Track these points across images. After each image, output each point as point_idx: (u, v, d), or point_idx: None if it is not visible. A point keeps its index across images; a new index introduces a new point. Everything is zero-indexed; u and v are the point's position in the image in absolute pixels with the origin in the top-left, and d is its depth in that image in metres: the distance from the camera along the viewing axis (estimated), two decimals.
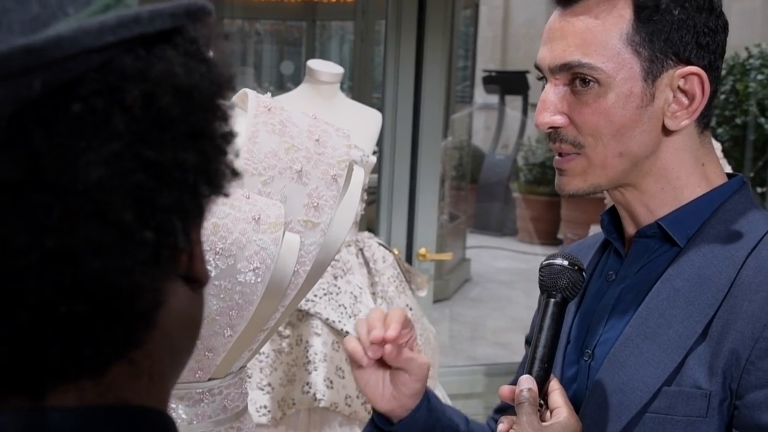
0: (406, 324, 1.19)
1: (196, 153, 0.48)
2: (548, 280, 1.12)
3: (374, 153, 2.74)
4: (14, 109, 0.41)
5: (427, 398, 1.26)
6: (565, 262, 1.11)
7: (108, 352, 0.47)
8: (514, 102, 10.77)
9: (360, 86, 5.07)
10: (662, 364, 1.06)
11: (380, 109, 3.03)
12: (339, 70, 2.64)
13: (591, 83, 1.08)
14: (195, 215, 0.50)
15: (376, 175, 3.28)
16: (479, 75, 10.60)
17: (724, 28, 1.12)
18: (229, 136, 0.51)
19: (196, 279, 0.52)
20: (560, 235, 9.36)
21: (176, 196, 0.47)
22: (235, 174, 0.52)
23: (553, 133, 1.13)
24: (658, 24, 1.07)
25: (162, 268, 0.48)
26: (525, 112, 10.64)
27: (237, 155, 0.51)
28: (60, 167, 0.42)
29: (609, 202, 3.40)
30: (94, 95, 0.44)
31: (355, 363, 1.22)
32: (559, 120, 1.11)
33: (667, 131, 1.12)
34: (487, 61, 12.20)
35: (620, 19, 1.07)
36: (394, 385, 1.22)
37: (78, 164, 0.43)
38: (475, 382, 3.51)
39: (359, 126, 2.57)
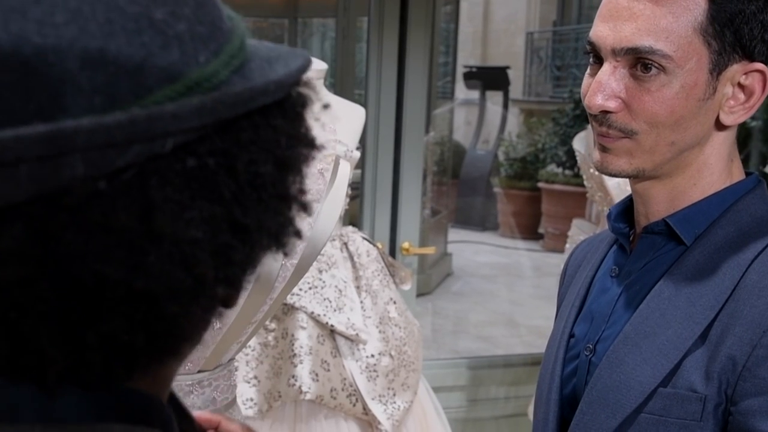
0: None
1: (276, 216, 0.51)
2: None
3: (358, 148, 2.75)
4: (142, 160, 0.44)
5: None
6: None
7: (140, 366, 0.50)
8: (494, 97, 10.79)
9: (342, 83, 5.07)
10: (659, 364, 1.05)
11: (363, 105, 3.03)
12: (323, 66, 2.65)
13: (654, 70, 1.04)
14: (256, 266, 0.53)
15: (359, 171, 3.29)
16: (460, 71, 10.62)
17: None
18: (305, 199, 0.54)
19: (228, 308, 0.55)
20: (541, 230, 9.39)
21: (249, 253, 0.50)
22: (299, 235, 0.54)
23: (601, 116, 1.07)
24: (732, 15, 1.03)
25: (213, 312, 0.53)
26: (506, 107, 10.66)
27: (310, 213, 0.54)
28: (166, 220, 0.44)
29: (591, 197, 3.41)
30: (209, 154, 0.46)
31: None
32: (612, 105, 1.06)
33: (719, 125, 1.09)
34: (467, 56, 12.21)
35: (695, 7, 1.03)
36: None
37: (181, 219, 0.45)
38: (457, 375, 3.53)
39: (343, 121, 2.59)
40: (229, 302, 0.53)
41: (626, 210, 1.21)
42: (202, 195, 0.46)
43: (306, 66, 0.52)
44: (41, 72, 0.41)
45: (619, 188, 2.83)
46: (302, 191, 0.53)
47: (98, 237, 0.43)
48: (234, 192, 0.47)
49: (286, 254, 0.54)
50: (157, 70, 0.45)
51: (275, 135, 0.49)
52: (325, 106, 0.55)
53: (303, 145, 0.52)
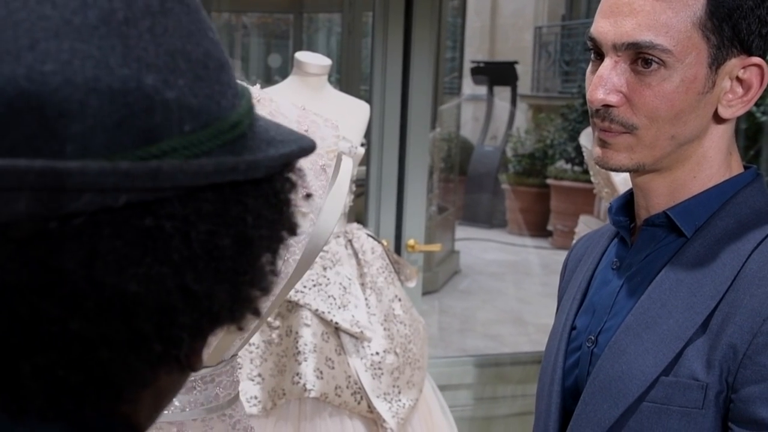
0: None
1: (231, 289, 0.52)
2: None
3: (362, 145, 2.74)
4: (95, 209, 0.45)
5: None
6: None
7: (89, 403, 0.51)
8: (502, 93, 10.77)
9: (347, 78, 5.06)
10: (661, 353, 1.07)
11: (368, 101, 3.02)
12: (327, 61, 2.64)
13: (654, 64, 1.06)
14: (206, 334, 0.54)
15: (364, 167, 3.28)
16: (467, 66, 10.60)
17: None
18: (270, 280, 0.54)
19: (190, 369, 0.56)
20: (549, 227, 9.37)
21: (196, 319, 0.51)
22: (257, 313, 0.55)
23: (603, 111, 1.10)
24: (730, 11, 1.06)
25: (160, 367, 0.53)
26: (514, 102, 10.65)
27: (268, 293, 0.55)
28: (108, 270, 0.46)
29: (598, 192, 3.39)
30: (167, 218, 0.47)
31: None
32: (613, 99, 1.08)
33: (717, 118, 1.11)
34: (475, 51, 12.20)
35: (694, 2, 1.05)
36: None
37: (125, 272, 0.46)
38: (464, 374, 3.52)
39: (347, 117, 2.57)
40: (192, 365, 0.54)
41: (627, 203, 1.23)
42: (153, 254, 0.47)
43: (297, 154, 0.53)
44: (21, 113, 0.44)
45: (626, 184, 2.81)
46: (272, 271, 0.54)
47: (39, 273, 0.45)
48: (187, 258, 0.48)
49: (240, 329, 0.55)
50: (136, 130, 0.47)
51: (242, 212, 0.51)
52: (308, 196, 0.57)
53: (277, 227, 0.54)
